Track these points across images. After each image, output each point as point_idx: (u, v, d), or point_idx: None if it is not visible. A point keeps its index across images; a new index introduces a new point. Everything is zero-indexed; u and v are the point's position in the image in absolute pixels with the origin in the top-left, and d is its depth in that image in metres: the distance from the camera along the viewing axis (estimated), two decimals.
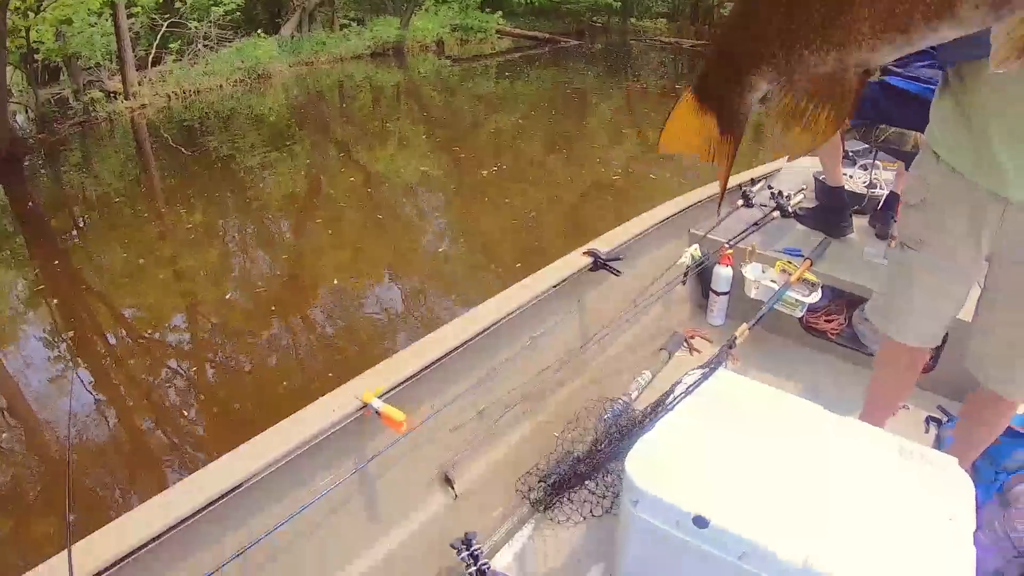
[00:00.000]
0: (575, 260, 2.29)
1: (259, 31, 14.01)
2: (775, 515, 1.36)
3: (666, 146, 0.95)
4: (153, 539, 1.24)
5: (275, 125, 10.73)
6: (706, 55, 0.92)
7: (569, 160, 8.43)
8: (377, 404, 1.53)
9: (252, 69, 13.16)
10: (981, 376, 1.74)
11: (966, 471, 1.58)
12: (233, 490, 1.34)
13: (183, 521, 1.27)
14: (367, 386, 1.61)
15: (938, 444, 2.40)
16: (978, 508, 2.03)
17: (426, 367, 1.72)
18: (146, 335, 4.86)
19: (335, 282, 5.38)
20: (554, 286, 2.13)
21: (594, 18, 21.73)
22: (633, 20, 22.24)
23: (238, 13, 14.30)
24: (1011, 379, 1.68)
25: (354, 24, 17.02)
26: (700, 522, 1.34)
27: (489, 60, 17.10)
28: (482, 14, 18.69)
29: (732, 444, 1.52)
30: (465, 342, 1.82)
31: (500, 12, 18.87)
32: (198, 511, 1.29)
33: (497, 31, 18.80)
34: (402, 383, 1.65)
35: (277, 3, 16.04)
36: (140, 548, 1.22)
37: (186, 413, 3.93)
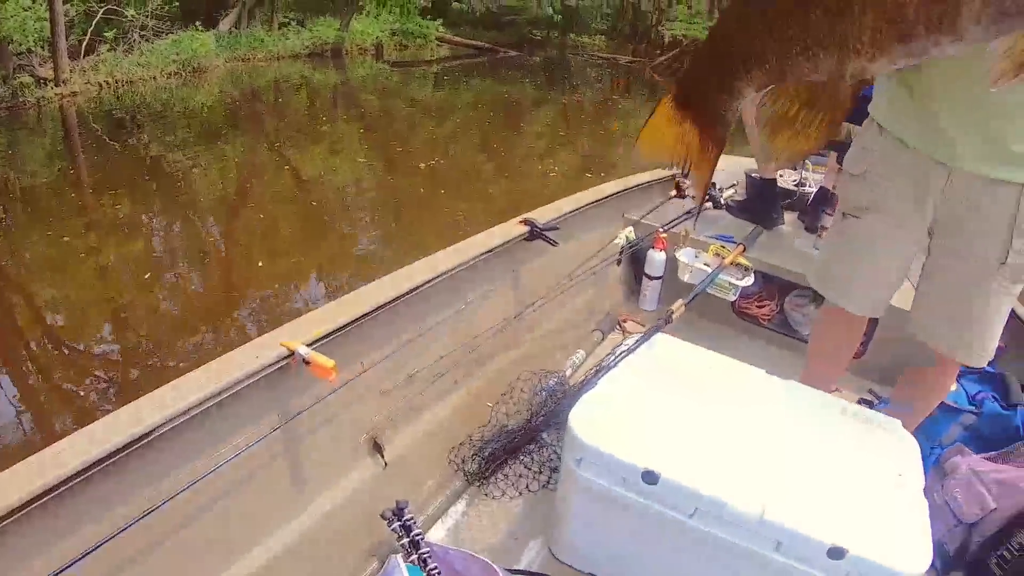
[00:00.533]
0: (511, 228, 2.22)
1: (197, 24, 13.61)
2: (726, 471, 1.31)
3: (642, 154, 0.94)
4: (32, 500, 1.04)
5: (208, 120, 10.39)
6: (691, 59, 0.90)
7: (504, 163, 8.41)
8: (304, 351, 1.41)
9: (187, 62, 12.74)
10: (929, 338, 1.76)
11: None
12: (134, 443, 1.17)
13: (72, 479, 1.09)
14: (292, 335, 1.48)
15: None
16: None
17: (355, 320, 1.60)
18: (64, 324, 4.61)
19: (260, 264, 5.25)
20: (489, 251, 2.05)
21: (534, 31, 21.88)
22: (573, 36, 22.48)
23: (176, 5, 13.89)
24: (958, 340, 1.71)
25: (293, 23, 16.72)
26: (649, 477, 1.27)
27: (428, 66, 17.00)
28: (423, 20, 18.60)
29: (677, 403, 1.48)
30: (396, 299, 1.71)
31: (441, 20, 18.82)
32: (90, 467, 1.11)
33: (437, 38, 18.73)
34: (329, 335, 1.53)
35: None
36: (15, 512, 1.03)
37: (96, 395, 3.71)
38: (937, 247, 1.68)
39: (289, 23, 16.64)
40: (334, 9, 17.18)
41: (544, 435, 1.92)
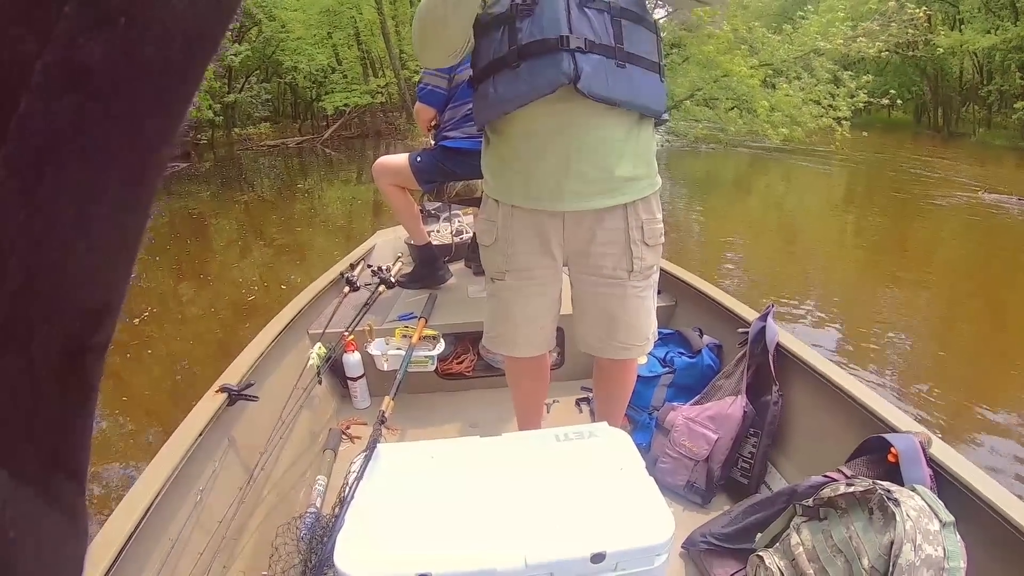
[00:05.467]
0: (212, 401, 2.18)
1: None
2: (486, 540, 1.42)
3: None
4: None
5: None
6: None
7: (208, 288, 7.97)
8: None
9: None
10: (593, 351, 2.01)
11: (621, 427, 1.81)
12: None
13: None
14: None
15: (594, 417, 2.71)
16: (649, 447, 2.32)
17: (111, 568, 1.48)
18: None
19: None
20: (200, 434, 2.01)
21: (198, 136, 21.18)
22: (237, 130, 22.05)
23: None
24: (613, 345, 1.95)
25: None
26: None
27: None
28: None
29: (420, 503, 1.56)
30: (136, 527, 1.61)
31: None
32: None
33: None
34: None
35: None
36: None
37: None
38: (575, 276, 1.92)
39: None
40: None
41: (328, 572, 1.92)
